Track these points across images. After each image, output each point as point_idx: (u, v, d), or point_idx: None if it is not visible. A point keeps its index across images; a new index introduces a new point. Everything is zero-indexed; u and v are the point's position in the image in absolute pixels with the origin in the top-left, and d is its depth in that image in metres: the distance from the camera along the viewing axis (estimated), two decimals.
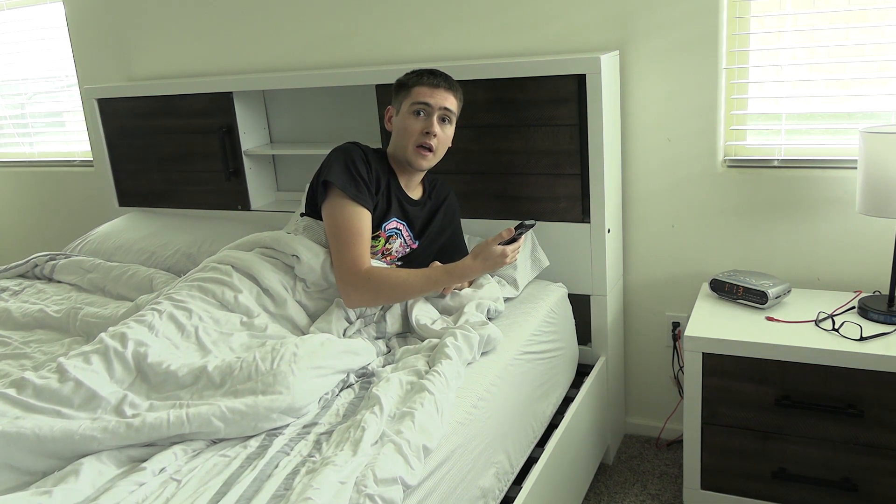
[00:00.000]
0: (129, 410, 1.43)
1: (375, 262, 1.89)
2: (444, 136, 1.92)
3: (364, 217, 1.84)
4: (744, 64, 2.15)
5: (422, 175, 2.02)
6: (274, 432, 1.43)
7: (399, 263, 2.00)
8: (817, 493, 1.89)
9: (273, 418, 1.42)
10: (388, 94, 2.31)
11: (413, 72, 1.93)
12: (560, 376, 2.04)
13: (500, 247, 1.82)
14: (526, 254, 2.16)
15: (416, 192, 2.02)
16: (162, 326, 1.64)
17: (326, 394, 1.55)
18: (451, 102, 1.91)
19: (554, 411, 2.00)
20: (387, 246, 1.95)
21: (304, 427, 1.45)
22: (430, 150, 1.89)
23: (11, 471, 1.31)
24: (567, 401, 2.07)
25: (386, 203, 1.93)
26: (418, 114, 1.89)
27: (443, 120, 1.91)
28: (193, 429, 1.38)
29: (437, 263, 1.95)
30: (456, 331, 1.72)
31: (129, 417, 1.40)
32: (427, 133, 1.88)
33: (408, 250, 2.01)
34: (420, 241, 2.02)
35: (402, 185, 1.97)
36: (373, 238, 1.91)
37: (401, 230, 1.96)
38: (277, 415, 1.43)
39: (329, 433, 1.42)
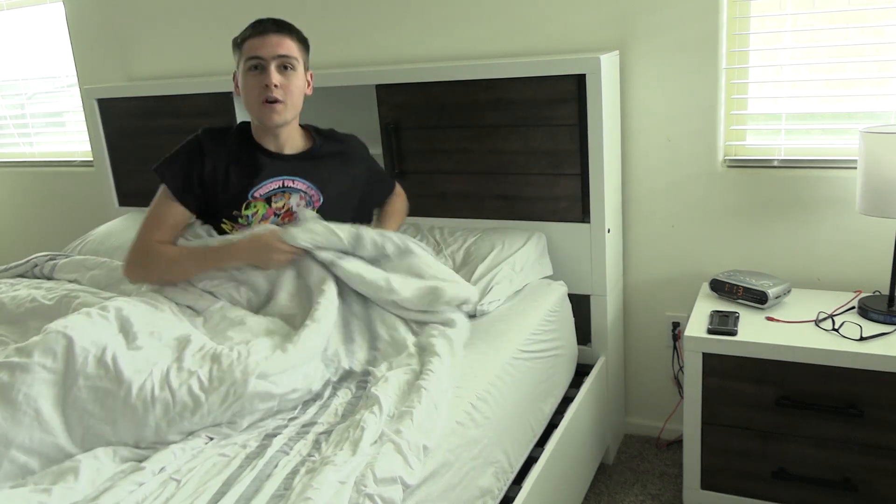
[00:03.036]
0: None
1: (270, 226, 1.81)
2: (290, 83, 1.81)
3: (175, 209, 1.85)
4: (744, 64, 2.15)
5: (290, 128, 1.90)
6: (273, 432, 1.43)
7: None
8: (817, 493, 1.89)
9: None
10: (388, 95, 2.32)
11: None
12: (560, 376, 2.04)
13: (282, 239, 1.72)
14: (535, 258, 2.15)
15: (293, 146, 1.92)
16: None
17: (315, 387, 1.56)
18: (287, 47, 1.81)
19: (553, 411, 1.99)
20: (275, 206, 1.86)
21: (303, 427, 1.45)
22: (275, 101, 1.79)
23: (10, 464, 1.31)
24: (567, 401, 2.06)
25: (247, 171, 1.85)
26: (255, 69, 1.80)
27: (284, 67, 1.81)
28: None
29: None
30: (433, 330, 1.71)
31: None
32: (266, 86, 1.78)
33: (312, 206, 1.91)
34: (325, 194, 1.92)
35: (271, 146, 1.89)
36: (245, 207, 1.84)
37: (291, 186, 1.88)
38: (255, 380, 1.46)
39: (328, 433, 1.42)
